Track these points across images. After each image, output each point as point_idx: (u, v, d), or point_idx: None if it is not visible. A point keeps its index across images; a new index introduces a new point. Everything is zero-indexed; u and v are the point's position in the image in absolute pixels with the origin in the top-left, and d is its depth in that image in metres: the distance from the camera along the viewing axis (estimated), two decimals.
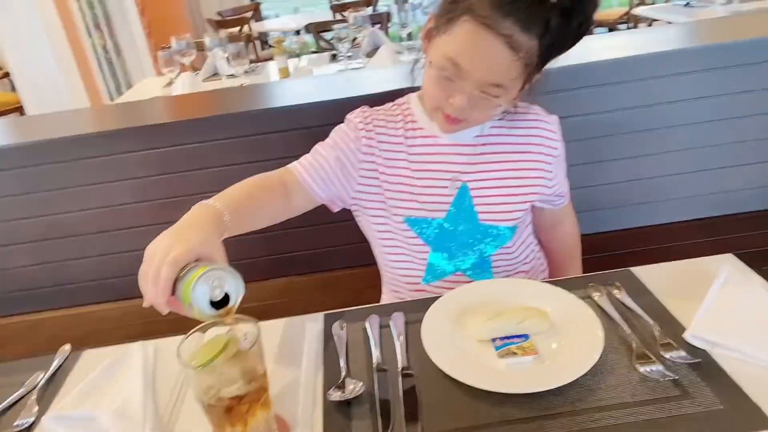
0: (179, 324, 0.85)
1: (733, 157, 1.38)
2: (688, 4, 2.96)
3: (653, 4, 3.90)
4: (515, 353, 0.73)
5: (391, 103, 1.01)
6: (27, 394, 0.82)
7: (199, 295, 0.62)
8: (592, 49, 1.46)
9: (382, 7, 5.03)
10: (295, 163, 0.97)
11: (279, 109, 1.41)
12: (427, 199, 0.94)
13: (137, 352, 0.85)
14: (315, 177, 0.94)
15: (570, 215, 1.10)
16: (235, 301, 0.64)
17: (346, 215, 1.08)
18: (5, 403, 0.80)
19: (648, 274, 0.89)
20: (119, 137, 1.46)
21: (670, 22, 2.83)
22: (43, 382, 0.84)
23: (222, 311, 0.63)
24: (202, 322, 0.65)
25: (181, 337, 0.67)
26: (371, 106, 1.01)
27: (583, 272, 1.15)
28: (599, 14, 4.60)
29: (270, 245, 1.48)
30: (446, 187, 0.94)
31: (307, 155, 0.98)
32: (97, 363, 0.85)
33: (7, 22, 3.81)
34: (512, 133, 0.95)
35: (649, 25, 3.37)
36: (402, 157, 0.95)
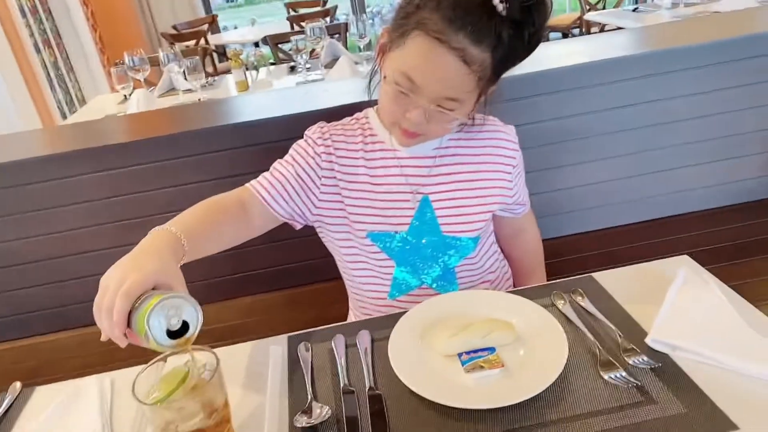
0: (139, 351, 0.82)
1: (679, 159, 1.42)
2: (636, 9, 3.05)
3: (603, 9, 4.03)
4: (482, 367, 0.73)
5: (349, 118, 1.00)
6: None
7: (154, 326, 0.60)
8: (546, 56, 1.49)
9: (340, 16, 5.04)
10: (253, 181, 0.95)
11: (237, 125, 1.38)
12: (389, 213, 0.94)
13: (93, 387, 0.81)
14: (274, 195, 0.92)
15: (531, 222, 1.12)
16: (194, 330, 0.62)
17: (309, 230, 1.06)
18: None
19: (609, 278, 0.90)
20: (69, 159, 1.41)
21: (620, 27, 2.92)
22: None
23: (180, 341, 0.61)
24: (161, 353, 0.63)
25: (141, 367, 0.65)
26: (330, 120, 1.00)
27: (547, 277, 1.17)
28: (553, 20, 4.73)
29: (231, 263, 1.45)
30: (408, 200, 0.93)
31: (265, 173, 0.96)
32: (51, 400, 0.81)
33: None
34: (470, 144, 0.96)
35: (601, 29, 3.47)
36: (362, 171, 0.94)
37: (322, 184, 0.95)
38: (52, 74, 4.36)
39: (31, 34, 4.20)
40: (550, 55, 1.47)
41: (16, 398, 0.84)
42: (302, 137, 0.99)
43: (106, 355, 1.00)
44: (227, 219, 0.88)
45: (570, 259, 1.46)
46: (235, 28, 6.84)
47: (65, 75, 4.59)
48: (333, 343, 0.84)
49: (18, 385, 0.86)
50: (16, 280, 1.44)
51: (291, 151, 0.98)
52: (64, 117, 4.29)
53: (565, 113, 1.36)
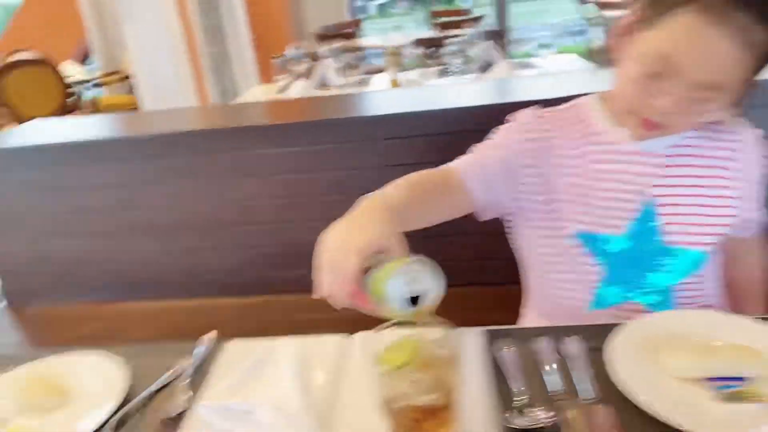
0: (331, 323, 0.81)
1: None
2: None
3: None
4: (742, 398, 0.62)
5: (567, 104, 0.92)
6: (176, 379, 0.80)
7: (393, 290, 0.56)
8: None
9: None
10: (456, 161, 0.90)
11: (434, 111, 1.38)
12: (607, 213, 0.84)
13: (286, 347, 0.80)
14: (479, 176, 0.86)
15: (759, 246, 0.96)
16: (435, 299, 0.57)
17: (471, 225, 0.98)
18: (154, 386, 0.78)
19: None
20: (251, 134, 1.48)
21: None
22: (191, 368, 0.81)
23: (420, 309, 0.56)
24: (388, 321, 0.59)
25: (323, 336, 0.62)
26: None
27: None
28: None
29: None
30: (630, 201, 0.84)
31: (467, 155, 0.91)
32: (242, 354, 0.81)
33: (135, 28, 4.08)
34: (712, 145, 0.84)
35: None
36: (579, 164, 0.86)
37: (526, 174, 0.88)
38: (212, 65, 4.72)
39: (201, 27, 4.57)
40: None
41: (211, 347, 0.86)
42: (507, 122, 0.93)
43: (262, 324, 0.99)
44: (433, 196, 0.84)
45: None
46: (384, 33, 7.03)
47: (223, 66, 4.95)
48: (538, 346, 0.76)
49: (213, 335, 0.88)
50: (191, 242, 1.53)
51: (496, 134, 0.92)
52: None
53: None
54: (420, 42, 3.38)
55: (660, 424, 0.60)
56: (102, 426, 0.71)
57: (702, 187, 0.83)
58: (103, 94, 5.33)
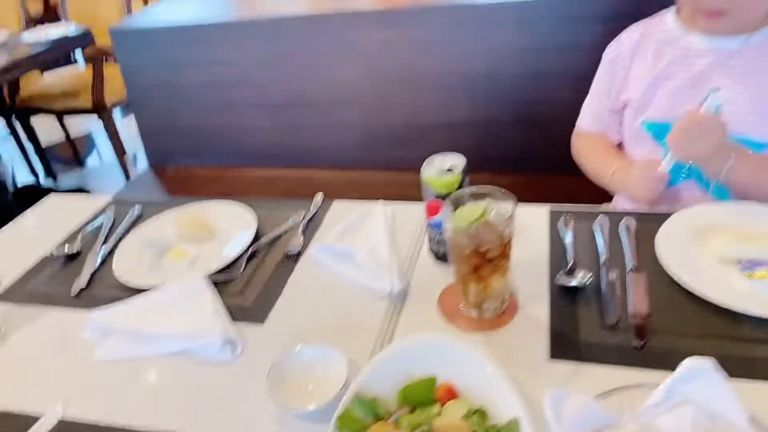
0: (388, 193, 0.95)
1: None
2: None
3: None
4: (765, 278, 0.71)
5: (650, 17, 1.01)
6: (293, 227, 1.00)
7: None
8: None
9: None
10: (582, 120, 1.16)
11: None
12: (674, 101, 0.93)
13: (380, 208, 0.97)
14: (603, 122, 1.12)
15: None
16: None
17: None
18: (277, 232, 0.99)
19: None
20: (352, 20, 1.57)
21: None
22: (305, 219, 1.01)
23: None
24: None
25: (409, 203, 0.78)
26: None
27: None
28: None
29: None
30: (697, 90, 0.90)
31: (585, 111, 1.16)
32: (344, 212, 1.00)
33: None
34: None
35: None
36: (654, 68, 0.95)
37: (617, 88, 1.04)
38: None
39: None
40: None
41: (320, 206, 1.05)
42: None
43: (362, 194, 1.15)
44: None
45: None
46: None
47: None
48: (597, 223, 0.87)
49: (321, 195, 1.07)
50: (299, 118, 1.71)
51: (597, 73, 1.10)
52: None
53: None
54: None
55: (688, 293, 0.71)
56: (240, 256, 0.94)
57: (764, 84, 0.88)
58: None
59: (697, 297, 0.71)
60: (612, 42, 1.08)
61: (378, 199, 1.01)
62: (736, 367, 0.62)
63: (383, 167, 1.60)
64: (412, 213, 0.97)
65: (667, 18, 1.00)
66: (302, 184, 1.69)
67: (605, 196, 1.18)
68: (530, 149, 1.50)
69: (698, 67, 0.93)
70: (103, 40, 2.20)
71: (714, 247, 0.77)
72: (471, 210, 0.71)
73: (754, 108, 0.90)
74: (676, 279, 0.73)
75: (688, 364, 0.54)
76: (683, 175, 0.98)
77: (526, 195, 1.04)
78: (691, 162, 0.89)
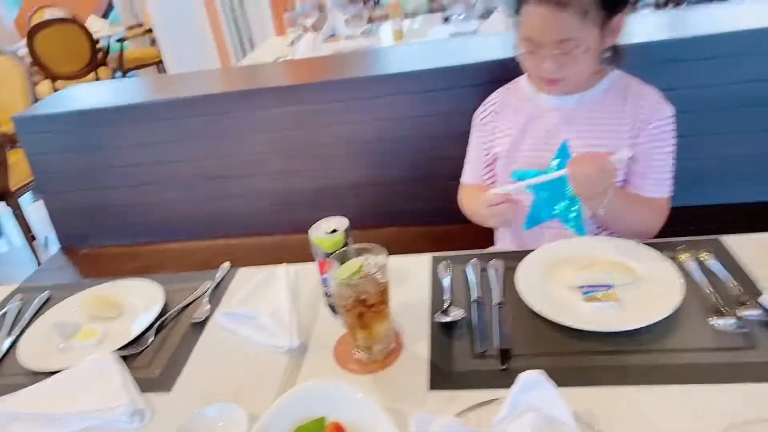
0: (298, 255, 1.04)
1: None
2: None
3: None
4: (599, 299, 0.84)
5: (510, 82, 1.20)
6: (200, 297, 1.06)
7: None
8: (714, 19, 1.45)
9: None
10: (464, 176, 1.30)
11: (392, 75, 1.57)
12: (534, 154, 1.10)
13: (282, 271, 1.06)
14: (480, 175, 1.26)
15: (659, 208, 1.12)
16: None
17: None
18: (184, 302, 1.05)
19: (737, 243, 0.95)
20: (257, 96, 1.69)
21: None
22: (211, 289, 1.07)
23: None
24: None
25: (312, 263, 0.88)
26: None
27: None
28: None
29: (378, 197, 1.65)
30: (552, 143, 1.09)
31: (466, 166, 1.30)
32: (250, 277, 1.07)
33: None
34: (617, 100, 1.07)
35: None
36: (514, 125, 1.13)
37: (485, 142, 1.20)
38: (229, 17, 4.84)
39: None
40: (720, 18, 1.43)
41: (226, 274, 1.12)
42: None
43: (277, 258, 1.22)
44: None
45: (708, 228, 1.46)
46: None
47: (238, 18, 5.06)
48: (469, 266, 0.99)
49: (227, 264, 1.14)
50: (213, 191, 1.78)
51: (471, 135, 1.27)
52: (236, 55, 4.77)
53: (725, 80, 1.35)
54: None
55: (543, 319, 0.84)
56: (147, 329, 0.98)
57: (605, 131, 1.06)
58: (127, 47, 5.52)
59: (550, 321, 0.83)
60: (481, 105, 1.24)
61: (292, 261, 1.09)
62: (581, 376, 0.73)
63: (294, 230, 1.68)
64: (315, 272, 1.05)
65: (522, 82, 1.17)
66: (217, 254, 1.72)
67: (490, 242, 1.32)
68: (426, 203, 1.64)
69: (549, 122, 1.10)
70: (7, 128, 2.20)
71: (562, 276, 0.90)
72: (351, 264, 0.81)
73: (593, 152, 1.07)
74: (532, 308, 0.85)
75: (524, 377, 0.65)
76: (547, 215, 1.13)
77: (422, 245, 1.16)
78: (582, 197, 1.02)
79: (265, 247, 1.66)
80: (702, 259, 0.92)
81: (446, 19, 3.09)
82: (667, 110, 1.07)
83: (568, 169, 0.96)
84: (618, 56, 1.06)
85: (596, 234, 1.12)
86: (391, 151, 1.63)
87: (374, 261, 0.81)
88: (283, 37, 3.62)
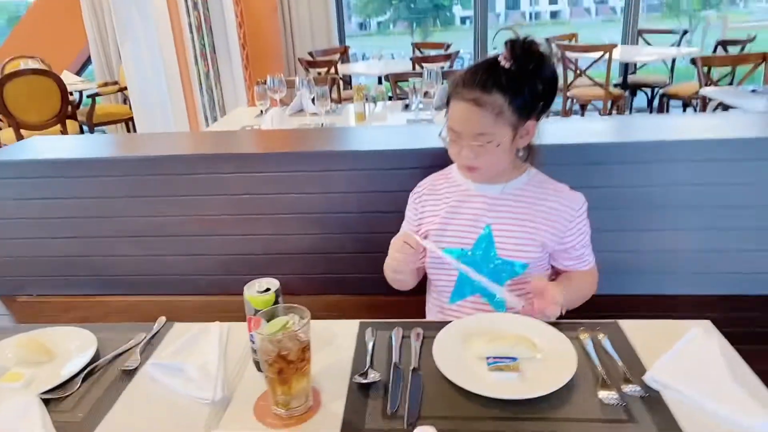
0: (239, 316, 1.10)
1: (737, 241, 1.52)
2: (754, 90, 3.05)
3: (730, 84, 3.98)
4: (502, 370, 0.92)
5: (443, 169, 1.33)
6: (133, 347, 1.09)
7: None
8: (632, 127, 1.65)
9: (465, 56, 5.34)
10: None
11: (354, 152, 1.69)
12: (460, 235, 1.21)
13: (215, 328, 1.10)
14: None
15: (589, 276, 1.27)
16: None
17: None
18: (117, 351, 1.08)
19: (632, 327, 1.06)
20: (215, 160, 1.78)
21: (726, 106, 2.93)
22: (145, 340, 1.11)
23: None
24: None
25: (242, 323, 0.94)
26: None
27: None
28: (674, 88, 4.67)
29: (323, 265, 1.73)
30: (475, 226, 1.20)
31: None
32: (185, 332, 1.11)
33: (131, 47, 4.40)
34: (536, 193, 1.21)
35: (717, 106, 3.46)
36: (443, 207, 1.25)
37: (417, 219, 1.31)
38: (203, 83, 5.03)
39: (193, 47, 4.89)
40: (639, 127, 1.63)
41: (161, 327, 1.16)
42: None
43: (222, 317, 1.27)
44: None
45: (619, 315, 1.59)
46: (364, 56, 7.48)
47: (213, 85, 5.27)
48: (393, 332, 1.07)
49: (163, 318, 1.18)
50: (162, 248, 1.82)
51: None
52: (207, 120, 4.92)
53: (647, 183, 1.52)
54: (390, 77, 3.72)
55: (453, 385, 0.91)
56: (76, 375, 1.00)
57: (522, 219, 1.19)
58: (99, 102, 5.61)
59: (459, 387, 0.90)
60: (416, 185, 1.36)
61: (234, 321, 1.14)
62: None
63: (240, 292, 1.72)
64: (244, 330, 1.11)
65: (453, 168, 1.31)
66: (161, 310, 1.74)
67: (422, 315, 1.40)
68: (367, 274, 1.72)
69: (475, 206, 1.23)
70: None
71: (473, 347, 0.98)
72: (276, 322, 0.87)
73: (515, 239, 1.19)
74: (443, 373, 0.93)
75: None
76: (470, 291, 1.23)
77: (361, 313, 1.24)
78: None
79: (211, 306, 1.69)
80: (598, 338, 1.02)
81: (406, 106, 3.31)
82: (580, 199, 1.22)
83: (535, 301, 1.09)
84: (533, 155, 1.21)
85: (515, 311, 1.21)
86: (338, 223, 1.72)
87: (298, 320, 0.88)
88: (252, 108, 3.78)
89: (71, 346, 1.08)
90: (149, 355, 1.07)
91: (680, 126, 1.87)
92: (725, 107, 3.21)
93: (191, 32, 4.85)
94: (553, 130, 1.75)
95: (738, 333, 1.21)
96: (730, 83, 3.87)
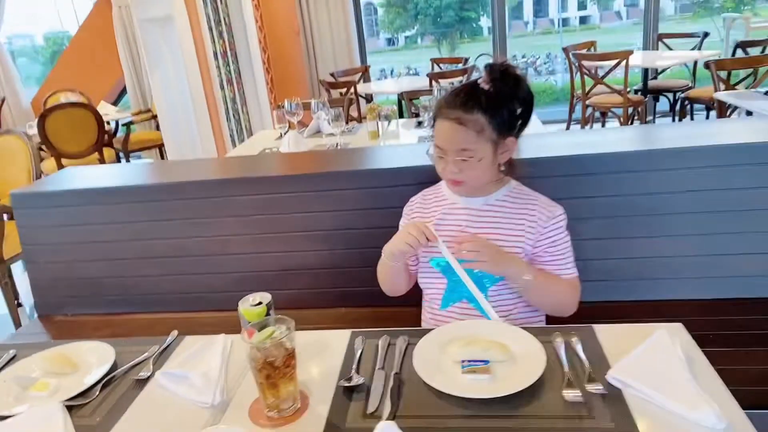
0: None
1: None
2: (767, 93, 3.03)
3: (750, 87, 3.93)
4: (475, 372, 1.00)
5: (433, 186, 1.43)
6: (147, 359, 1.21)
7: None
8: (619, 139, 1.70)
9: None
10: None
11: (351, 171, 1.79)
12: (447, 244, 1.28)
13: (220, 339, 1.21)
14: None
15: (573, 284, 1.32)
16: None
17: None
18: (132, 362, 1.19)
19: (604, 331, 1.12)
20: (230, 185, 1.91)
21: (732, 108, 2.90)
22: (157, 352, 1.22)
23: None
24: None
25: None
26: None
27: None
28: (696, 91, 4.62)
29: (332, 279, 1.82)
30: (461, 236, 1.28)
31: None
32: (194, 344, 1.22)
33: (160, 76, 4.64)
34: (517, 205, 1.30)
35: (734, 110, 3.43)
36: (431, 219, 1.34)
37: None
38: (229, 108, 5.25)
39: (219, 74, 5.11)
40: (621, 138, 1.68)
41: (173, 340, 1.27)
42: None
43: (233, 330, 1.38)
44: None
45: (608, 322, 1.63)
46: (392, 72, 7.72)
47: (239, 109, 5.48)
48: (380, 340, 1.15)
49: (175, 332, 1.30)
50: (182, 268, 1.95)
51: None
52: (234, 143, 5.12)
53: (635, 191, 1.57)
54: (405, 95, 3.82)
55: (430, 387, 0.98)
56: (95, 384, 1.12)
57: (506, 229, 1.28)
58: (134, 130, 5.90)
59: (435, 389, 0.98)
60: (409, 201, 1.46)
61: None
62: None
63: None
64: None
65: (442, 184, 1.40)
66: (181, 326, 1.88)
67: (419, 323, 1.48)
68: (372, 287, 1.81)
69: (460, 218, 1.32)
70: (6, 200, 2.41)
71: (450, 352, 1.06)
72: (265, 331, 0.97)
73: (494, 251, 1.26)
74: (420, 376, 1.01)
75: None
76: (458, 297, 1.30)
77: (364, 324, 1.33)
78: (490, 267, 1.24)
79: (226, 321, 1.79)
80: (572, 342, 1.08)
81: (419, 123, 3.41)
82: (558, 210, 1.29)
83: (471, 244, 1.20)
84: (513, 169, 1.28)
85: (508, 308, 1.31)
86: (345, 239, 1.82)
87: (285, 330, 0.97)
88: (274, 130, 3.94)
89: (92, 359, 1.21)
90: (160, 365, 1.18)
91: (664, 137, 1.90)
92: (749, 111, 3.19)
93: (216, 59, 5.07)
94: (544, 143, 1.82)
95: (717, 335, 1.26)
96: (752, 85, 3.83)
